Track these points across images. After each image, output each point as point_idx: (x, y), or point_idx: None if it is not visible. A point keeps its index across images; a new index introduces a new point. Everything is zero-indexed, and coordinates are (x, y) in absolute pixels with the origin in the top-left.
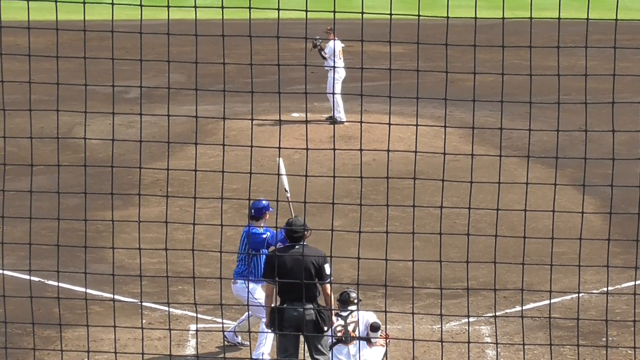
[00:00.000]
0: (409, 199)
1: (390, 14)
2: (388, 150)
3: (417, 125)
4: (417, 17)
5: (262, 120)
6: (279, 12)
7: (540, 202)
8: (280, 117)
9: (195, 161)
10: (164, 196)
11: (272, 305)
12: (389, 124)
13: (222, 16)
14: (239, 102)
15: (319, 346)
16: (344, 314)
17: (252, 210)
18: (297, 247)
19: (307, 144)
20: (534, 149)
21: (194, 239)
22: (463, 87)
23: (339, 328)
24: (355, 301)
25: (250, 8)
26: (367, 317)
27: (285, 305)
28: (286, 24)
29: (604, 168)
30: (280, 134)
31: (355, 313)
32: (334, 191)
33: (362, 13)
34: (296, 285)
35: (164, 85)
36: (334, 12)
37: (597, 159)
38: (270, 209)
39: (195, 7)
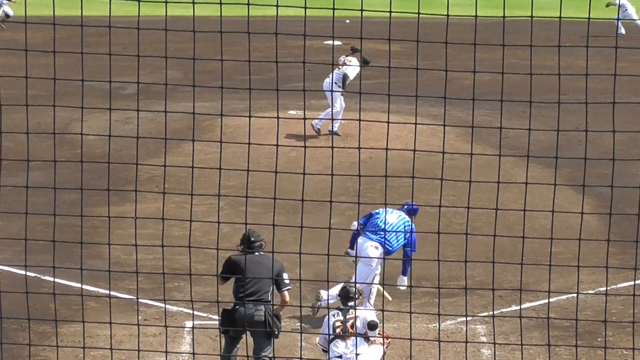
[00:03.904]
0: (405, 197)
1: (390, 12)
2: (387, 149)
3: (415, 123)
4: (416, 15)
5: (259, 117)
6: (277, 9)
7: (537, 201)
8: (277, 114)
9: (192, 158)
10: (160, 192)
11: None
12: (388, 122)
13: (220, 13)
14: (236, 99)
15: (263, 346)
16: (344, 310)
17: None
18: (255, 254)
19: (304, 141)
20: (530, 148)
21: (191, 235)
22: (460, 85)
23: (337, 324)
24: (356, 296)
25: (248, 5)
26: (366, 315)
27: (237, 306)
28: (284, 21)
29: (600, 168)
30: (277, 131)
31: (354, 310)
32: (332, 189)
33: (362, 10)
34: (249, 286)
35: (161, 82)
36: (333, 9)
37: (595, 159)
38: None
39: (193, 2)
